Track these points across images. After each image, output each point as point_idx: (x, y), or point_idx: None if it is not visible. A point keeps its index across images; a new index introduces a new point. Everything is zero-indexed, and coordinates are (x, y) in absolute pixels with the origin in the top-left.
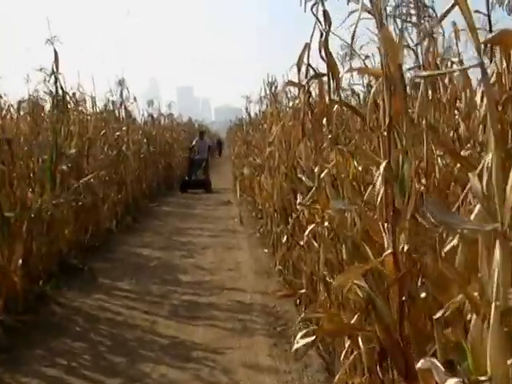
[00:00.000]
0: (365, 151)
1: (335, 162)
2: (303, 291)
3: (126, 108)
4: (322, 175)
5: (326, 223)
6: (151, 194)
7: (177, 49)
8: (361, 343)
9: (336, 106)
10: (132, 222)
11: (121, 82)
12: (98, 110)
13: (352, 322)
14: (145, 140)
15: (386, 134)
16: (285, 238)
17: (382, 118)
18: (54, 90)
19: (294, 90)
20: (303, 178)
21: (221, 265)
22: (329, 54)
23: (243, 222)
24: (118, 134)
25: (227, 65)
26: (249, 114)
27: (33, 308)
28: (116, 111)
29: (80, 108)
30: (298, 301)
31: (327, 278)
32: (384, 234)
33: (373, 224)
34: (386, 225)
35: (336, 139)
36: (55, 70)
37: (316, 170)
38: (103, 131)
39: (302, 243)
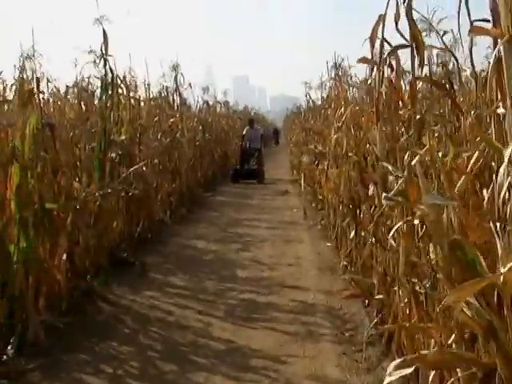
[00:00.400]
0: (484, 135)
1: (428, 148)
2: (375, 294)
3: (180, 94)
4: (413, 163)
5: (416, 221)
6: (206, 184)
7: (232, 37)
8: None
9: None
10: (186, 212)
11: (175, 67)
12: (151, 96)
13: (461, 351)
14: (200, 127)
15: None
16: (352, 232)
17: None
18: (103, 73)
19: (357, 75)
20: (389, 167)
21: (280, 259)
22: (412, 23)
23: (306, 213)
24: (172, 120)
25: (282, 54)
26: (308, 101)
27: (78, 306)
28: (170, 97)
29: (132, 93)
30: (366, 302)
31: (416, 287)
32: (498, 240)
33: (474, 223)
34: (498, 227)
35: (423, 121)
36: (104, 51)
37: (406, 158)
38: (156, 118)
39: (373, 240)
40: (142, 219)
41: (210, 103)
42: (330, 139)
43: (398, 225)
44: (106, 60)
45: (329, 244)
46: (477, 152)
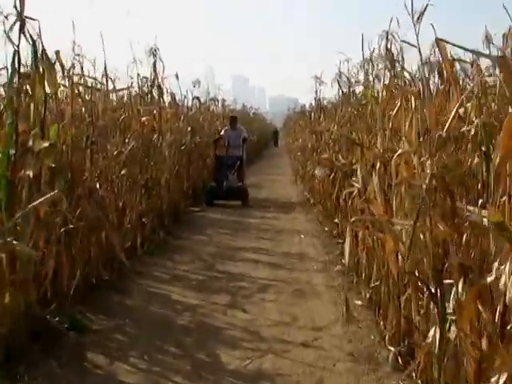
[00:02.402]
0: None
1: None
2: None
3: (160, 86)
4: None
5: None
6: (195, 195)
7: (234, 37)
8: None
9: None
10: (165, 235)
11: (153, 52)
12: (110, 86)
13: None
14: (189, 128)
15: None
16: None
17: None
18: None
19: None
20: None
21: (290, 332)
22: None
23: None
24: (145, 119)
25: (281, 54)
26: (318, 99)
27: None
28: (146, 89)
29: (79, 78)
30: None
31: None
32: None
33: None
34: None
35: None
36: (20, 9)
37: None
38: (123, 115)
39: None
40: (91, 258)
41: (202, 100)
42: (372, 150)
43: None
44: (22, 23)
45: (359, 302)
46: None
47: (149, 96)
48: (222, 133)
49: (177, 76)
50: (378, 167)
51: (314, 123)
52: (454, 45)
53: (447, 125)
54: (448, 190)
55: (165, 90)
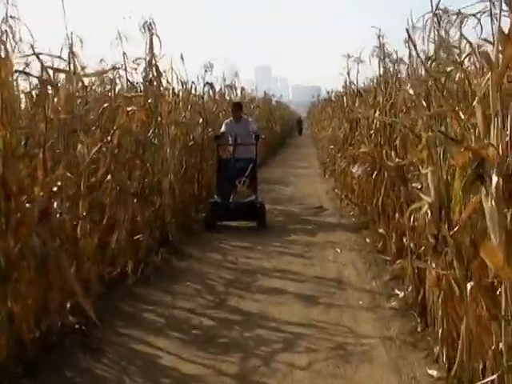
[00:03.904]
0: None
1: None
2: None
3: (157, 68)
4: None
5: None
6: (211, 196)
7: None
8: None
9: None
10: (168, 254)
11: (148, 26)
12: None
13: None
14: (200, 120)
15: None
16: None
17: None
18: None
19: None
20: None
21: None
22: None
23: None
24: (131, 109)
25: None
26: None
27: None
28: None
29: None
30: None
31: None
32: None
33: None
34: None
35: None
36: None
37: None
38: (102, 107)
39: None
40: (48, 306)
41: (217, 89)
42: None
43: None
44: None
45: (434, 373)
46: None
47: (147, 81)
48: (223, 128)
49: (182, 57)
50: (494, 181)
51: (347, 110)
52: None
53: None
54: None
55: (166, 75)
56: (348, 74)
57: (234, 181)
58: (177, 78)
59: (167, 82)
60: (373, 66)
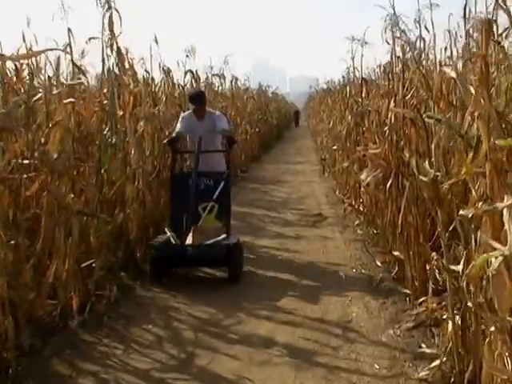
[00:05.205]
0: None
1: None
2: None
3: (119, 51)
4: None
5: None
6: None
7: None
8: None
9: None
10: (132, 281)
11: (108, 2)
12: None
13: None
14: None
15: None
16: None
17: None
18: None
19: None
20: None
21: None
22: None
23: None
24: (68, 101)
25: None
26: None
27: None
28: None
29: None
30: None
31: None
32: None
33: None
34: None
35: None
36: None
37: None
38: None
39: None
40: None
41: (202, 77)
42: None
43: None
44: None
45: None
46: None
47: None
48: (178, 127)
49: (156, 40)
50: None
51: (350, 101)
52: None
53: None
54: None
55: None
56: (352, 59)
57: (196, 208)
58: (159, 65)
59: (145, 70)
60: (382, 48)
